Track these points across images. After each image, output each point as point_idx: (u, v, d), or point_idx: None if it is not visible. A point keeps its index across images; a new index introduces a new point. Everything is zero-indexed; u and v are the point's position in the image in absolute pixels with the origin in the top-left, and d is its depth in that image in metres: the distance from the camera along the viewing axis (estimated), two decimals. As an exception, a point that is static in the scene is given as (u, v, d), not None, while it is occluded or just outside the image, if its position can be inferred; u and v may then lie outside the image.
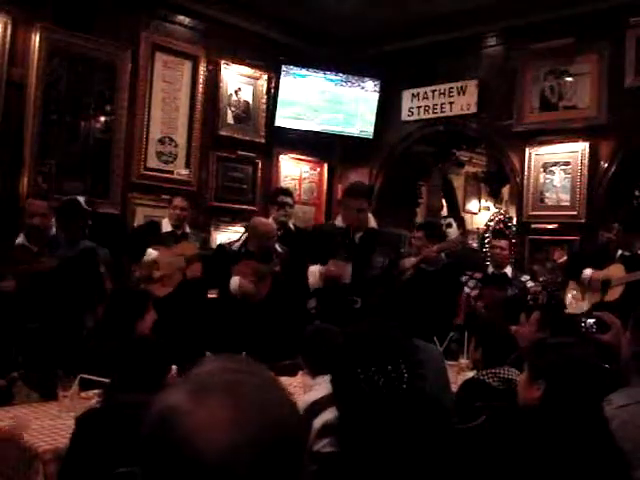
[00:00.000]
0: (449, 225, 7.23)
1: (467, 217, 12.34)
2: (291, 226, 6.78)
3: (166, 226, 6.41)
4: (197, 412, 0.95)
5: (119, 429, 2.31)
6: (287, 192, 7.01)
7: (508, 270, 6.57)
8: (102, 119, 7.04)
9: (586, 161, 7.25)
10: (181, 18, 7.72)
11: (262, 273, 5.67)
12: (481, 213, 12.58)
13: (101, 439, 2.38)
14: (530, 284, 6.32)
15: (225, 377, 1.01)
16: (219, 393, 0.97)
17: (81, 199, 5.74)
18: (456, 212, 11.96)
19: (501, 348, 3.64)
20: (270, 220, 6.34)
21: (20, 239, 5.25)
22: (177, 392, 0.99)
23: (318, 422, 2.92)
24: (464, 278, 6.55)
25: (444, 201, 11.65)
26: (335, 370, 2.00)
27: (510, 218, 11.25)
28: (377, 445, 1.75)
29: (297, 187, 8.94)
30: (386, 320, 3.39)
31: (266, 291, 5.67)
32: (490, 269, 6.66)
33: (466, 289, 6.44)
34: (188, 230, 6.49)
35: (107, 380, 3.42)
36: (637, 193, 8.11)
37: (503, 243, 6.74)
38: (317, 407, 2.95)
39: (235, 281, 5.62)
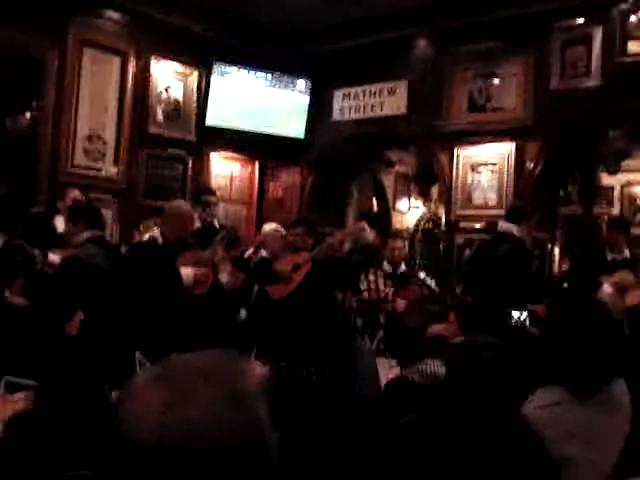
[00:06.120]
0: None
1: (397, 216, 12.44)
2: (215, 224, 6.70)
3: (61, 225, 5.91)
4: (139, 396, 0.99)
5: (51, 433, 2.27)
6: (210, 191, 6.91)
7: (403, 268, 6.73)
8: (28, 115, 6.87)
9: (512, 161, 7.42)
10: (110, 13, 7.58)
11: (204, 261, 5.50)
12: (411, 212, 12.68)
13: (32, 443, 2.33)
14: (429, 281, 6.50)
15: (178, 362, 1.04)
16: (159, 381, 1.00)
17: None
18: (386, 212, 12.05)
19: (407, 347, 3.64)
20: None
21: None
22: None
23: None
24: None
25: (374, 201, 11.74)
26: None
27: (439, 217, 11.39)
28: (305, 440, 1.77)
29: (228, 186, 8.89)
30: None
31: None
32: (387, 268, 6.69)
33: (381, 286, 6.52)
34: None
35: (34, 383, 3.35)
36: (561, 194, 8.33)
37: (400, 243, 7.02)
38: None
39: (188, 273, 5.26)
